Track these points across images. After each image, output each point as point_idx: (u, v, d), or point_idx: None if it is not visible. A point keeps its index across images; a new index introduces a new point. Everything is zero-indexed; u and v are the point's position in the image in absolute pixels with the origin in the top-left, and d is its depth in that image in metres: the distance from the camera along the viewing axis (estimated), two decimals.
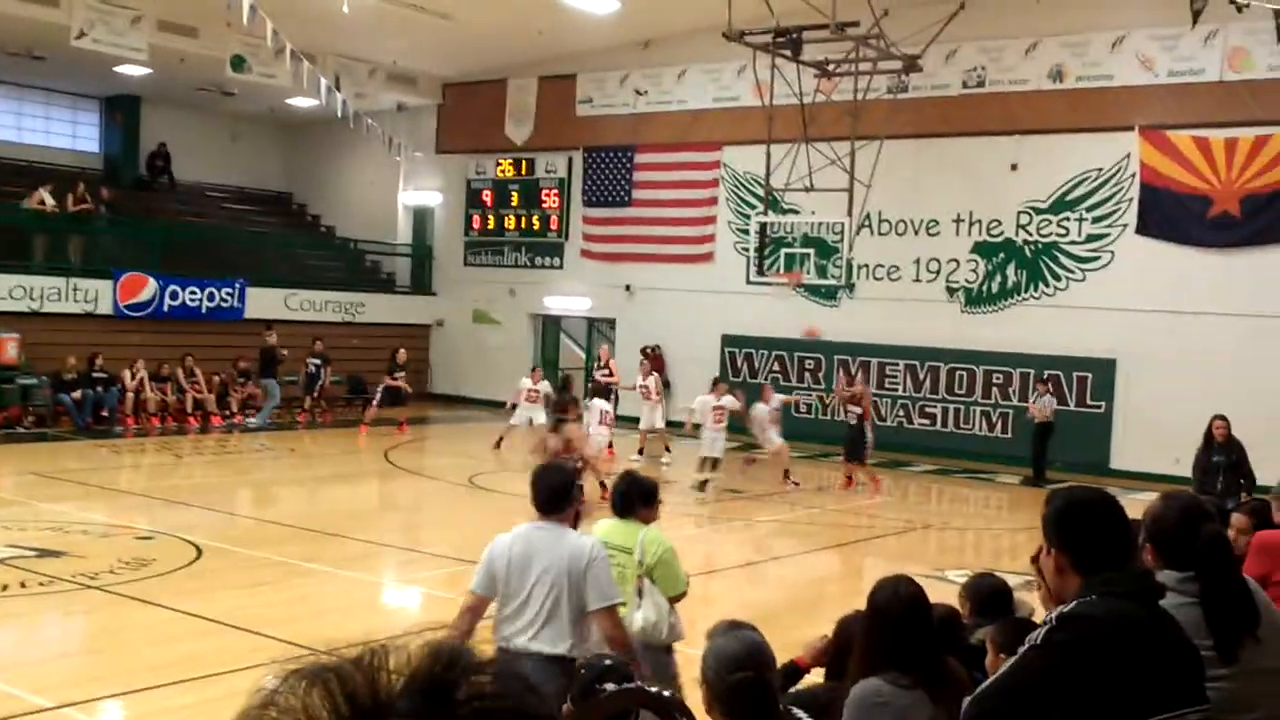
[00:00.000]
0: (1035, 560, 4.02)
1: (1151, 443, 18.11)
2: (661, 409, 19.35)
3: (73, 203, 22.27)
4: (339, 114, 19.31)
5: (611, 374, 19.63)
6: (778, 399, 17.27)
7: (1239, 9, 13.55)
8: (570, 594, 4.81)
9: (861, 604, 3.87)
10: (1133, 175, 18.75)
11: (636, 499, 5.78)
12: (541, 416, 17.27)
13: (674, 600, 5.58)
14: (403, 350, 21.50)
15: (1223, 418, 12.88)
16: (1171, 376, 18.16)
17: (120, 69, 23.06)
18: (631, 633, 5.22)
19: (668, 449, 19.16)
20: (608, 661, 3.50)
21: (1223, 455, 12.51)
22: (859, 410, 16.54)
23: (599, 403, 16.49)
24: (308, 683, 0.99)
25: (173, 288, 21.91)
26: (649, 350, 23.40)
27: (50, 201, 21.93)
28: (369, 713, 0.98)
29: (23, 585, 9.44)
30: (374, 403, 20.73)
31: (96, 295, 21.02)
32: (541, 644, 4.79)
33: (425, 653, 1.02)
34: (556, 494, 5.00)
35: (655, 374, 20.08)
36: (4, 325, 19.83)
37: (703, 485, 15.91)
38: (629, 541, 5.55)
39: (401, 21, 21.56)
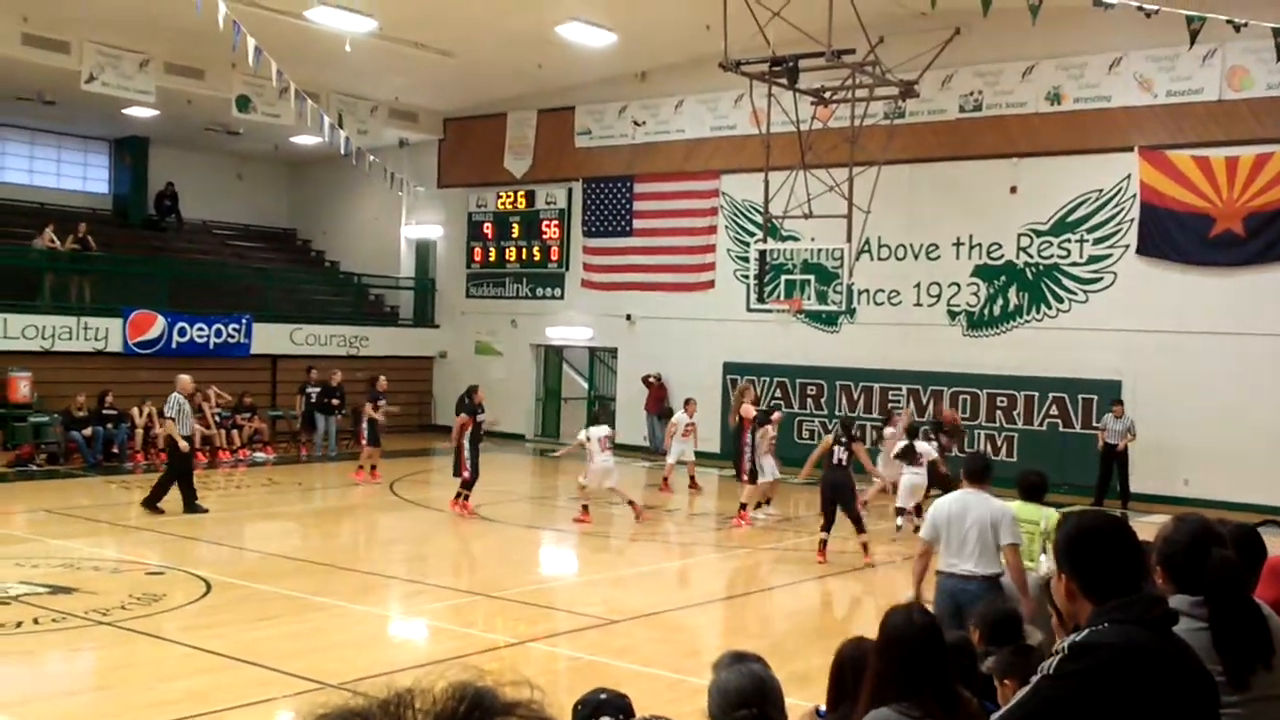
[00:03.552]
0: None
1: (1160, 465, 18.07)
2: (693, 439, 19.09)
3: (70, 242, 22.41)
4: (342, 151, 19.44)
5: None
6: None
7: (1237, 28, 13.62)
8: (992, 534, 7.30)
9: (869, 632, 3.85)
10: (1133, 196, 18.80)
11: (1039, 490, 8.21)
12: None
13: None
14: (383, 378, 20.04)
15: None
16: (1178, 397, 18.12)
17: (129, 111, 23.37)
18: (1037, 576, 7.42)
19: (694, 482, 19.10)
20: (603, 695, 3.46)
21: None
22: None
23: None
24: None
25: (180, 324, 22.04)
26: (651, 379, 23.43)
27: (59, 242, 22.14)
28: None
29: (35, 622, 9.47)
30: (364, 441, 19.41)
31: (106, 333, 21.15)
32: (979, 568, 7.27)
33: (450, 694, 1.04)
34: (979, 472, 7.65)
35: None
36: (16, 364, 20.04)
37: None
38: (1035, 517, 7.97)
39: (403, 59, 21.77)
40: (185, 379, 15.62)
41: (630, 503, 15.58)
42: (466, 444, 15.48)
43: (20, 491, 17.44)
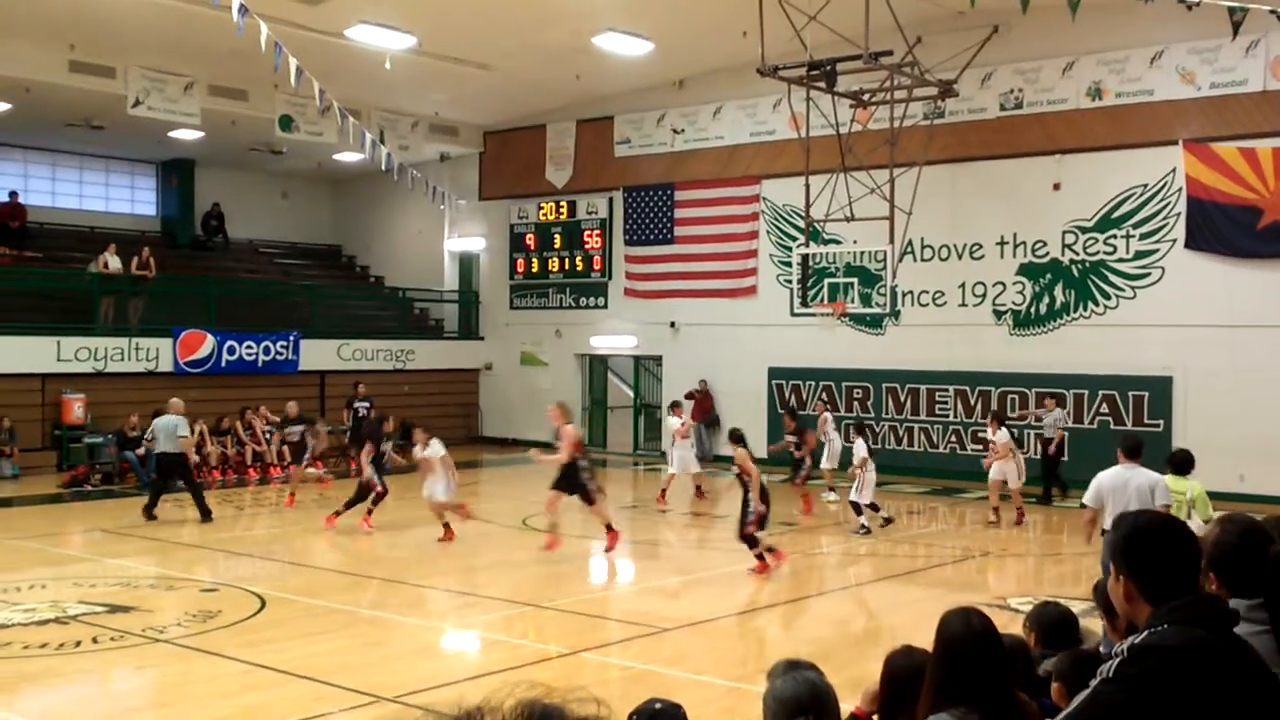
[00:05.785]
0: (1096, 589, 3.96)
1: (1215, 460, 17.68)
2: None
3: (136, 266, 22.84)
4: (384, 167, 19.64)
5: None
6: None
7: None
8: (1150, 498, 8.67)
9: (923, 637, 3.82)
10: (1179, 189, 18.56)
11: (1187, 465, 9.50)
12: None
13: (1206, 521, 8.79)
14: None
15: None
16: (1230, 391, 17.87)
17: (174, 134, 23.80)
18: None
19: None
20: (658, 705, 3.46)
21: None
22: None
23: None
24: None
25: (230, 343, 22.37)
26: (694, 392, 23.12)
27: (116, 264, 22.50)
28: None
29: (94, 641, 9.63)
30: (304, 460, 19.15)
31: (157, 354, 21.51)
32: None
33: (519, 712, 1.06)
34: (1135, 449, 9.20)
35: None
36: (70, 386, 20.42)
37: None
38: (1183, 488, 9.30)
39: (442, 74, 21.98)
40: (177, 402, 16.63)
41: (446, 526, 15.14)
42: (370, 466, 15.74)
43: (76, 512, 17.78)
